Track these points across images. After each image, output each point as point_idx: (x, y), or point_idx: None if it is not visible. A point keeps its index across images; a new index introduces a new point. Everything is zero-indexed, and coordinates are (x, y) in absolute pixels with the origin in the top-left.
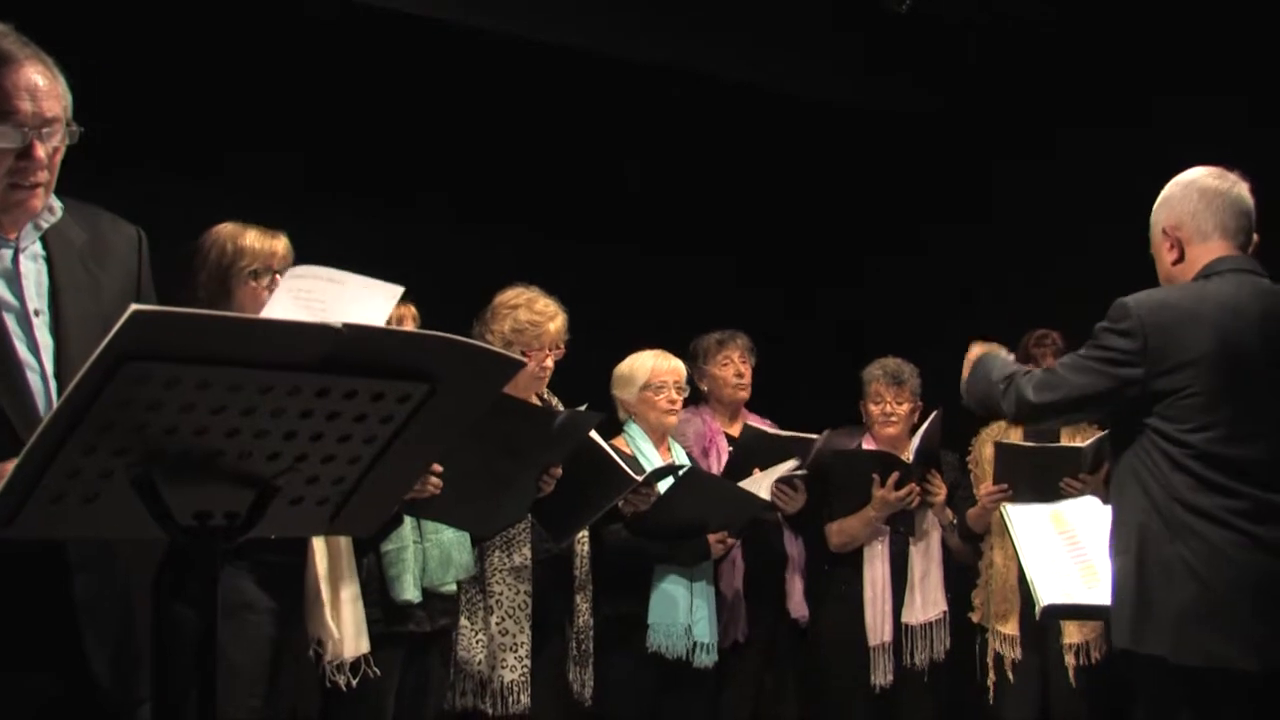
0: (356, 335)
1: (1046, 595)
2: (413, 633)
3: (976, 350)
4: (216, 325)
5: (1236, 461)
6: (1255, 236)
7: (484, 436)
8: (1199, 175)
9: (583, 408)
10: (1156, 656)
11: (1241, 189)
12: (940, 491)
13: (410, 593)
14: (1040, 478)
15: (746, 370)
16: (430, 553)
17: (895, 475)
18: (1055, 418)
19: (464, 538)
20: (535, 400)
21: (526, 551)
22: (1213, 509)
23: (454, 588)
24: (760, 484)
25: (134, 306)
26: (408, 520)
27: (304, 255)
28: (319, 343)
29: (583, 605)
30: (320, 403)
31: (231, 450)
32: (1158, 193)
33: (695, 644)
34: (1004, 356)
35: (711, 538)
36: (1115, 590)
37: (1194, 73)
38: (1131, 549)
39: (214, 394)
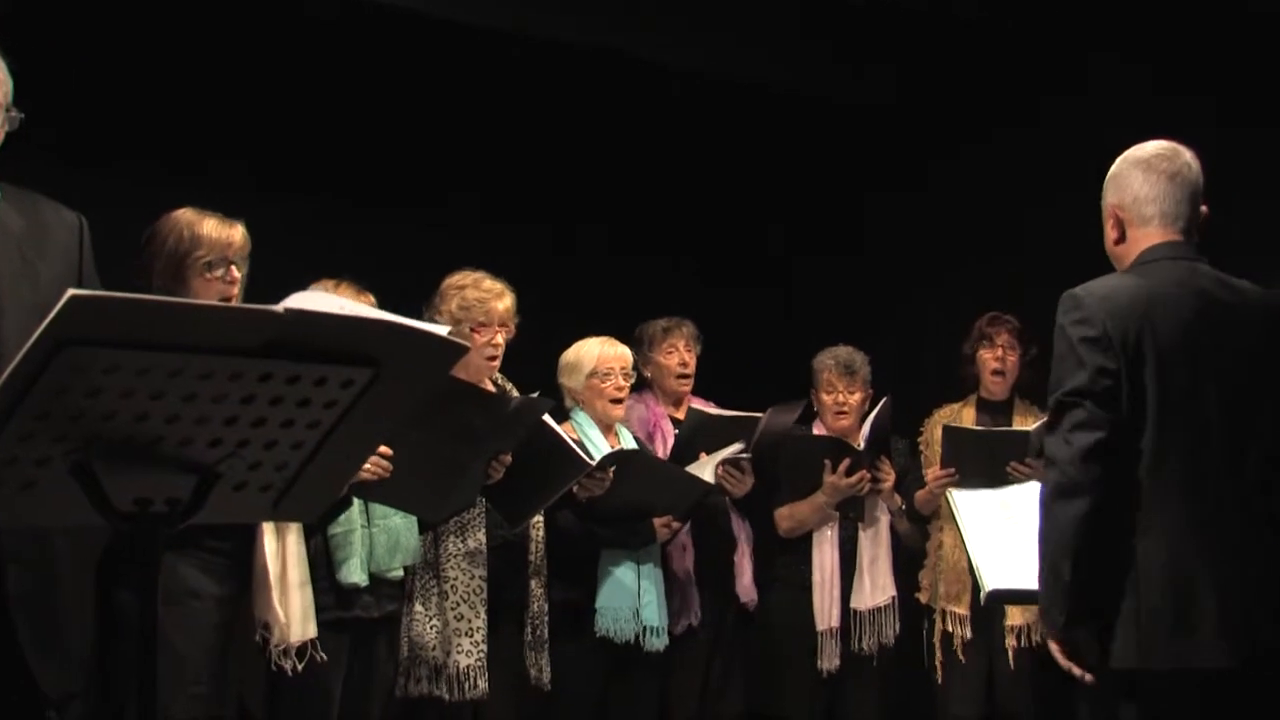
0: (298, 320)
1: (991, 580)
2: (359, 618)
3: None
4: (155, 310)
5: (1171, 460)
6: (1205, 209)
7: (437, 421)
8: (1147, 154)
9: (535, 394)
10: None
11: (1190, 168)
12: (889, 478)
13: (357, 576)
14: (987, 462)
15: (691, 359)
16: (378, 538)
17: (846, 461)
18: (1102, 427)
19: (412, 523)
20: (489, 385)
21: (481, 536)
22: (1153, 509)
23: (401, 573)
24: (705, 467)
25: (71, 291)
26: (356, 504)
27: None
28: (260, 327)
29: (538, 590)
30: (263, 388)
31: (172, 436)
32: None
33: (645, 628)
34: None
35: (657, 521)
36: None
37: (1130, 49)
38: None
39: (154, 380)
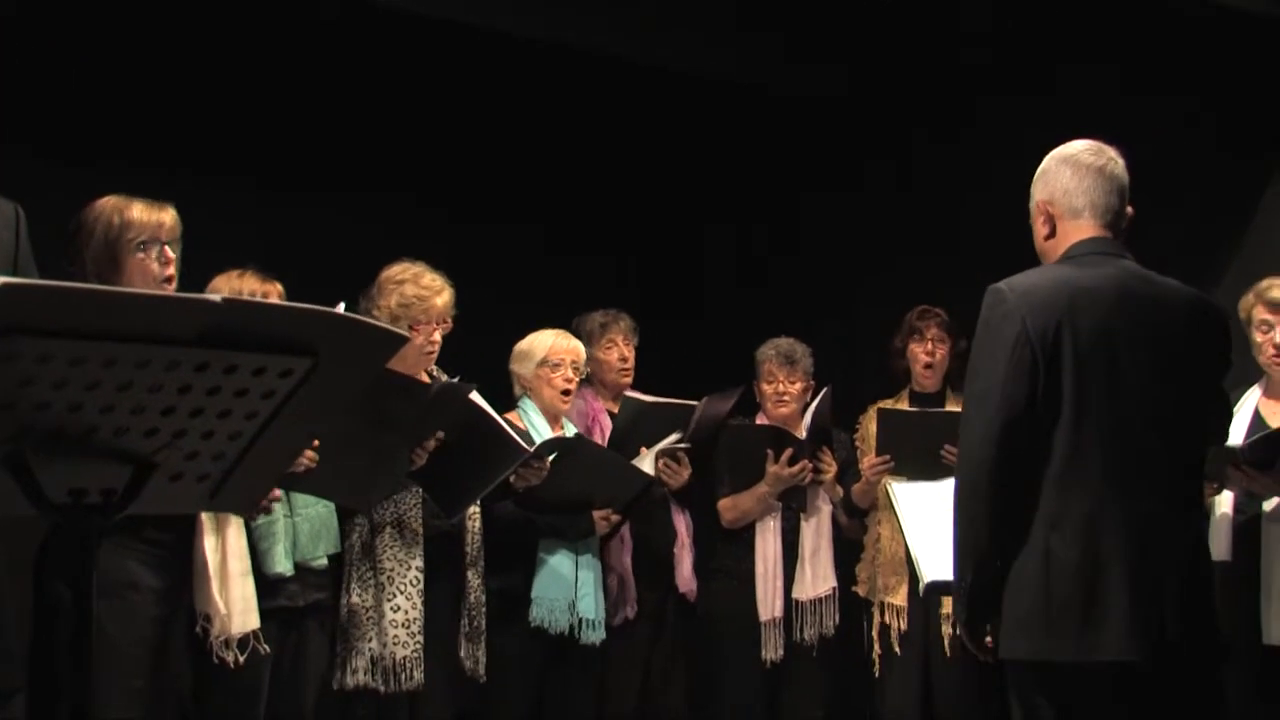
0: (235, 309)
1: (930, 572)
2: (285, 607)
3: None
4: (89, 298)
5: (1087, 455)
6: (1130, 209)
7: (359, 409)
8: (1075, 151)
9: (455, 379)
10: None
11: (1116, 164)
12: (831, 468)
13: (282, 565)
14: (922, 446)
15: (630, 353)
16: (301, 527)
17: (789, 452)
18: (1016, 424)
19: (334, 511)
20: (425, 377)
21: (418, 526)
22: (1067, 503)
23: (325, 561)
24: (645, 460)
25: (2, 280)
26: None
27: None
28: (196, 316)
29: (475, 581)
30: (199, 378)
31: (107, 426)
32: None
33: (581, 620)
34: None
35: (597, 514)
36: None
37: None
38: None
39: (88, 369)
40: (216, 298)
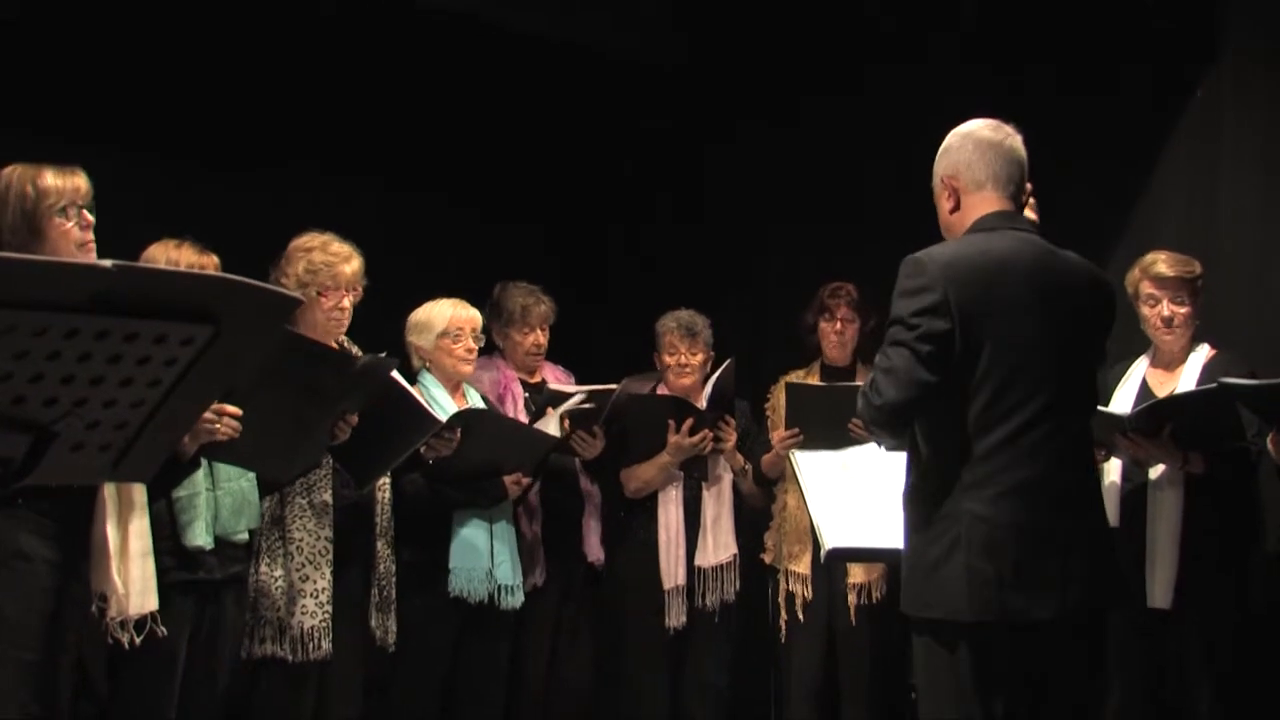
0: (127, 274)
1: (831, 539)
2: (203, 580)
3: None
4: None
5: (1005, 421)
6: (1029, 186)
7: (284, 381)
8: (975, 127)
9: (382, 354)
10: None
11: (1015, 140)
12: (731, 438)
13: (202, 539)
14: (830, 419)
15: (545, 338)
16: (223, 500)
17: (689, 421)
18: (915, 404)
19: (255, 485)
20: (335, 347)
21: (328, 496)
22: (986, 467)
23: (246, 536)
24: (550, 421)
25: None
26: (201, 466)
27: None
28: (88, 282)
29: (384, 551)
30: (100, 345)
31: (4, 395)
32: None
33: (499, 586)
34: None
35: (507, 479)
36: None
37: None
38: (919, 517)
39: None
40: (107, 263)
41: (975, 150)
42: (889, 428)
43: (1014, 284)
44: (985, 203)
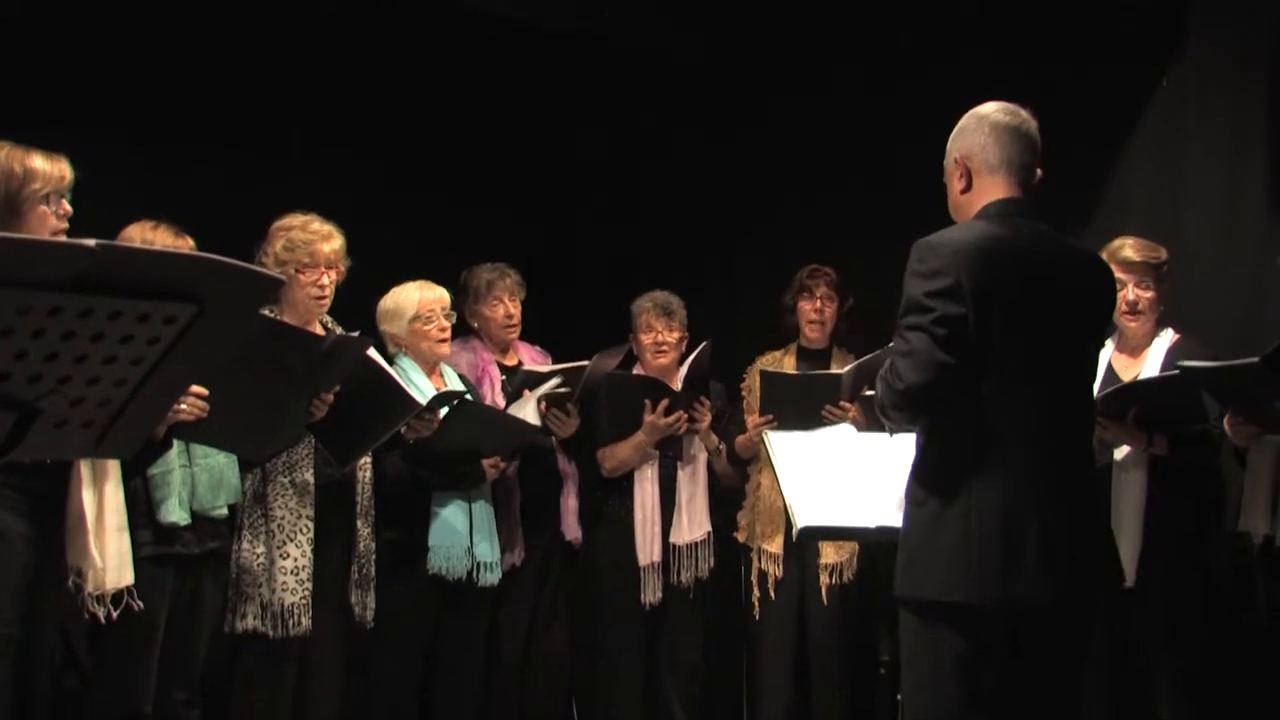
0: (111, 253)
1: (803, 518)
2: (180, 555)
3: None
4: None
5: (1012, 407)
6: (1039, 171)
7: (254, 361)
8: (992, 110)
9: (355, 333)
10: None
11: (1030, 125)
12: (706, 418)
13: (176, 515)
14: (804, 406)
15: (516, 309)
16: (200, 476)
17: (665, 401)
18: (935, 387)
19: (234, 461)
20: (318, 328)
21: (309, 475)
22: (993, 451)
23: (225, 511)
24: (527, 405)
25: None
26: (175, 444)
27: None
28: (72, 261)
29: (364, 530)
30: (84, 324)
31: None
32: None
33: (478, 564)
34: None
35: (485, 462)
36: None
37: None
38: (927, 500)
39: None
40: (91, 242)
41: (991, 134)
42: (909, 411)
43: (1022, 271)
44: (997, 187)
